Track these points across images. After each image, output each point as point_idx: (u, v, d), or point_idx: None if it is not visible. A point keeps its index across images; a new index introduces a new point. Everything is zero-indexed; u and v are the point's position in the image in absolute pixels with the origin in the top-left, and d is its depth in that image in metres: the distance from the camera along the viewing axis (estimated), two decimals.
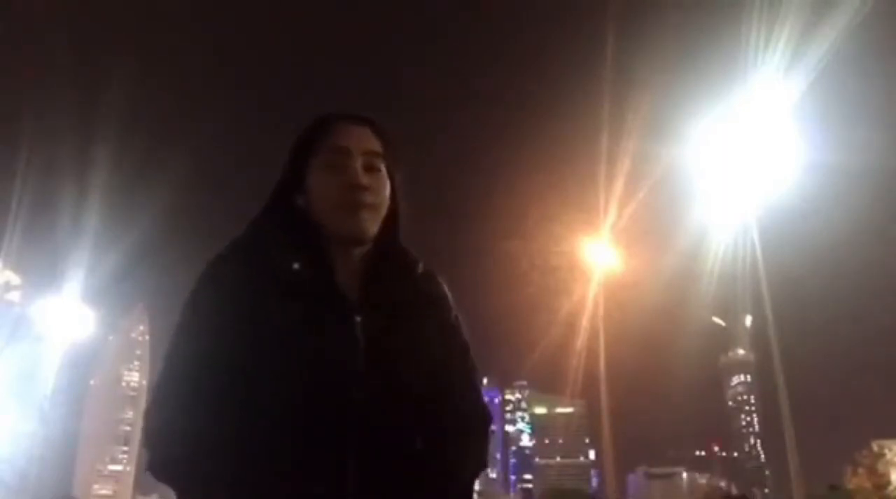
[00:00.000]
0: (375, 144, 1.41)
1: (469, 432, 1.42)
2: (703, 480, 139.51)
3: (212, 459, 1.19)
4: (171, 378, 1.25)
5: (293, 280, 1.30)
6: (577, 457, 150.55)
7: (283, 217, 1.39)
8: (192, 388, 1.22)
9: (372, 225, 1.38)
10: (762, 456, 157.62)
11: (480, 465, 1.43)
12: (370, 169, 1.38)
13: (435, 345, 1.39)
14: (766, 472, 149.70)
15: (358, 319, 1.30)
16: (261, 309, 1.26)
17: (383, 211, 1.40)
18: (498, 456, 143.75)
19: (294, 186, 1.40)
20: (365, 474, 1.21)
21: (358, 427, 1.23)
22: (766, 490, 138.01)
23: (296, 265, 1.31)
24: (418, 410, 1.30)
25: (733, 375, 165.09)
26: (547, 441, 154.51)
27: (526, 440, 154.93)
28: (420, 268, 1.45)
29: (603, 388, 26.65)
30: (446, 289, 1.49)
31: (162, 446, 1.22)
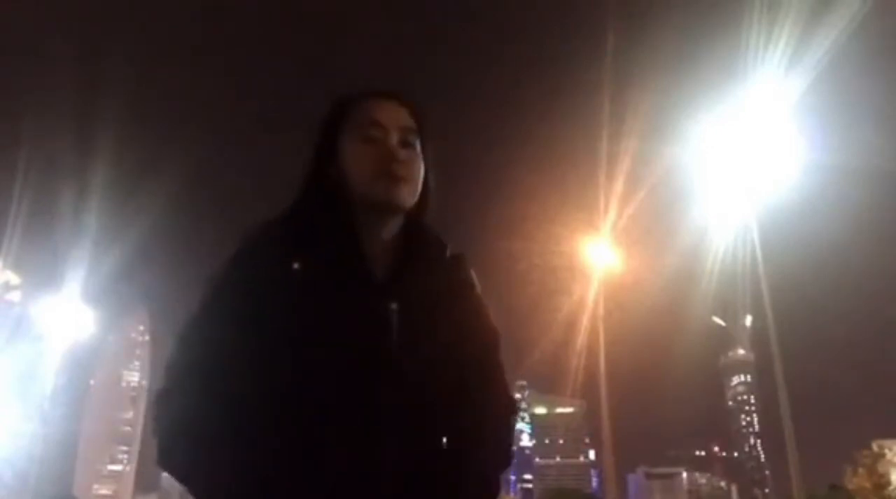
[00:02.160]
0: (411, 121, 1.39)
1: (498, 425, 1.41)
2: (703, 480, 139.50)
3: (231, 450, 1.15)
4: (189, 363, 1.21)
5: (323, 265, 1.26)
6: (577, 457, 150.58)
7: (315, 191, 1.36)
8: (211, 375, 1.18)
9: (409, 197, 1.35)
10: (762, 456, 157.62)
11: (507, 457, 1.41)
12: (405, 145, 1.36)
13: (467, 335, 1.37)
14: (766, 472, 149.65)
15: (393, 306, 1.27)
16: (289, 296, 1.22)
17: (418, 188, 1.37)
18: None
19: (326, 158, 1.38)
20: (398, 467, 1.20)
21: (390, 421, 1.21)
22: (766, 490, 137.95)
23: (321, 255, 1.27)
24: (449, 402, 1.28)
25: (733, 375, 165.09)
26: (547, 441, 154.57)
27: (526, 440, 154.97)
28: (449, 251, 1.43)
29: (603, 388, 26.54)
30: (474, 275, 1.47)
31: (176, 435, 1.18)
